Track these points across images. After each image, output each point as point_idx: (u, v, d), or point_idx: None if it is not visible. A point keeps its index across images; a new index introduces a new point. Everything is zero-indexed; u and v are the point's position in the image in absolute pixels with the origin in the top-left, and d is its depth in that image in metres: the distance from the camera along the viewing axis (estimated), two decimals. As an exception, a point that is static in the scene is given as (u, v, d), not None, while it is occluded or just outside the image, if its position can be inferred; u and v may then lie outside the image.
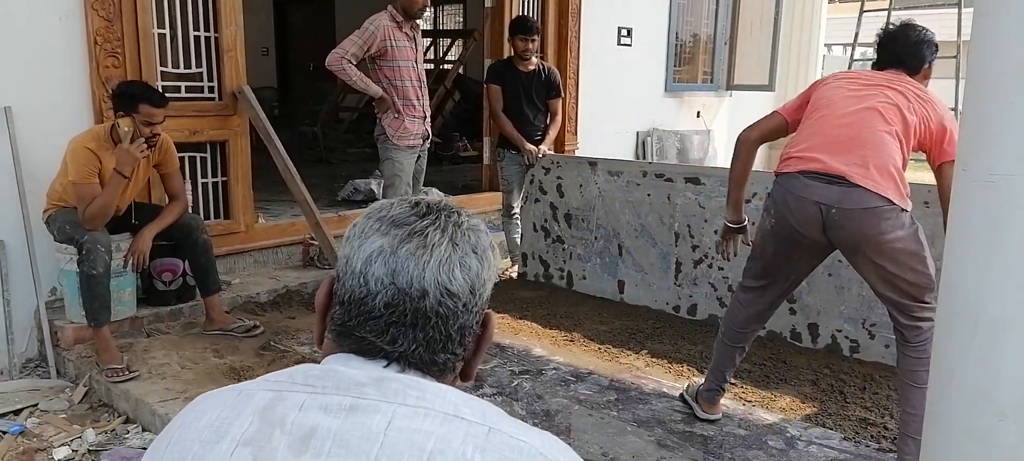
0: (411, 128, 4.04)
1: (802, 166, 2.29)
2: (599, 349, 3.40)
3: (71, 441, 2.73)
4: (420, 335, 0.74)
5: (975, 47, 1.10)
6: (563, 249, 4.38)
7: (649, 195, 3.96)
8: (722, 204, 3.60)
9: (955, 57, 5.65)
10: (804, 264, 2.45)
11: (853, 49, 6.34)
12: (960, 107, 4.17)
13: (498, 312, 3.84)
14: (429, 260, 0.74)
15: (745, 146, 2.58)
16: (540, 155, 4.39)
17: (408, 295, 0.73)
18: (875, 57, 2.47)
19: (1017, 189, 0.98)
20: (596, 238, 4.22)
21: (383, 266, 0.74)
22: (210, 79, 3.98)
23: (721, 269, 3.71)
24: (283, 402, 0.70)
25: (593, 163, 4.25)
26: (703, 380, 2.74)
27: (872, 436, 2.59)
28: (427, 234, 0.75)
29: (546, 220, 4.44)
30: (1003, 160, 1.01)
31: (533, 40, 4.31)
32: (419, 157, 4.19)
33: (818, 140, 2.29)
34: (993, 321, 0.95)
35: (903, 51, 2.38)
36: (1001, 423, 0.92)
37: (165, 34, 3.76)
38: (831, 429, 2.64)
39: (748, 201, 2.98)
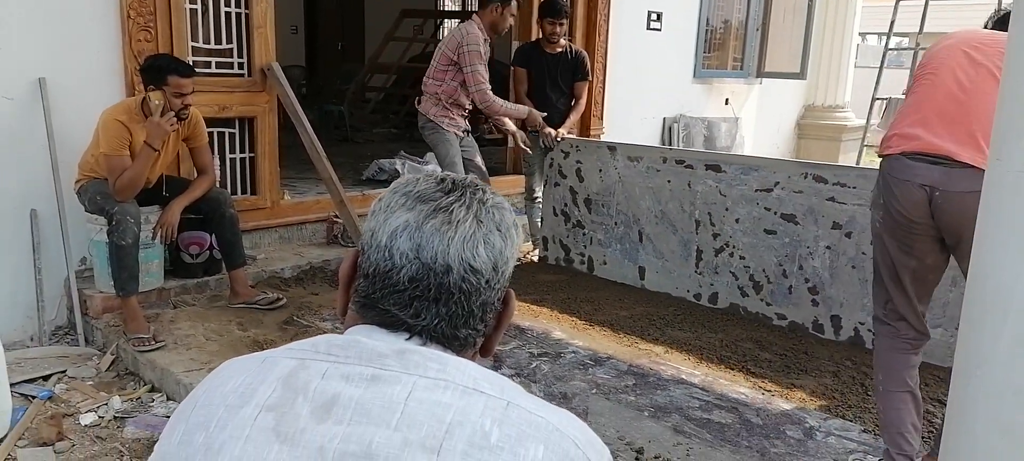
0: (459, 121, 4.10)
1: (904, 146, 2.05)
2: (618, 334, 3.39)
3: (98, 408, 2.80)
4: (443, 310, 0.75)
5: (1014, 35, 1.07)
6: (583, 234, 4.37)
7: (669, 182, 3.93)
8: (743, 193, 3.56)
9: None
10: (932, 257, 2.11)
11: (888, 39, 6.20)
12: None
13: (518, 295, 3.83)
14: (454, 236, 0.75)
15: None
16: (559, 138, 4.37)
17: (432, 270, 0.74)
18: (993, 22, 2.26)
19: (1052, 179, 0.95)
20: (616, 224, 4.20)
21: (408, 241, 0.75)
22: (240, 55, 4.01)
23: (742, 257, 3.67)
24: (306, 370, 0.71)
25: (612, 147, 4.22)
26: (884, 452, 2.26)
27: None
28: (452, 210, 0.76)
29: (566, 204, 4.43)
30: (1039, 150, 0.98)
31: (561, 23, 4.27)
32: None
33: (921, 113, 2.05)
34: (1023, 312, 0.92)
35: None
36: (1027, 416, 0.90)
37: (197, 9, 3.79)
38: (850, 421, 2.61)
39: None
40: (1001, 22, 2.23)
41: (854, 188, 3.27)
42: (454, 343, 0.77)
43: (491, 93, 3.93)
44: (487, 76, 3.92)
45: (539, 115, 4.16)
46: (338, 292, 0.83)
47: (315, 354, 0.73)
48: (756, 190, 3.58)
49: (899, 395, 2.17)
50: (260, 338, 3.17)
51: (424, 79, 4.12)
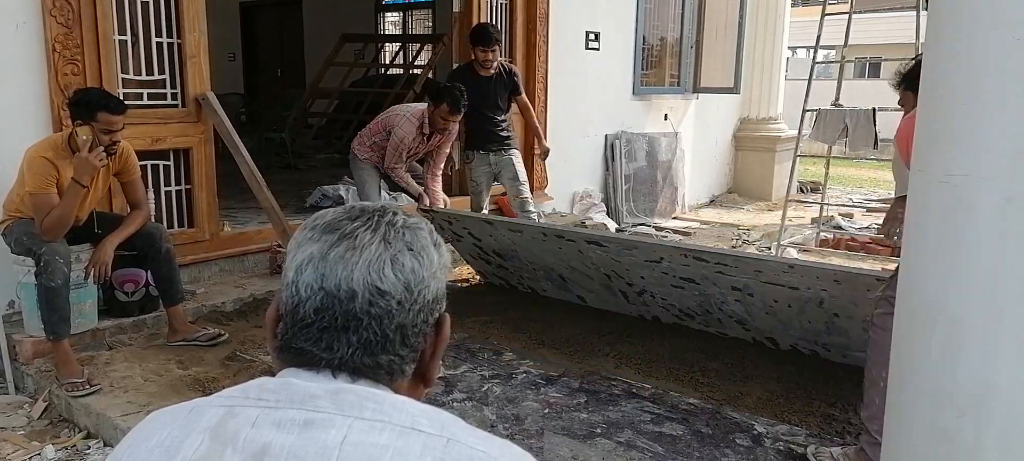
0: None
1: None
2: (568, 352, 3.41)
3: (30, 458, 2.66)
4: (354, 338, 0.72)
5: (929, 52, 1.12)
6: (510, 272, 4.30)
7: (560, 248, 3.78)
8: (635, 260, 3.45)
9: (914, 59, 5.79)
10: None
11: (815, 52, 6.44)
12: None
13: (469, 315, 3.82)
14: (358, 261, 0.73)
15: None
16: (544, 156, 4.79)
17: (337, 298, 0.72)
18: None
19: (972, 189, 1.00)
20: (535, 268, 4.09)
21: (313, 272, 0.73)
22: (173, 85, 3.91)
23: (664, 298, 3.56)
24: (235, 418, 0.69)
25: (490, 221, 4.10)
26: (865, 442, 2.29)
27: (837, 432, 2.63)
28: (357, 235, 0.74)
29: (480, 254, 4.32)
30: (958, 161, 1.03)
31: (493, 50, 4.34)
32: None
33: None
34: (951, 319, 0.96)
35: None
36: (960, 420, 0.93)
37: (127, 40, 3.68)
38: (797, 425, 2.67)
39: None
40: (910, 77, 2.35)
41: (735, 268, 3.15)
42: (379, 373, 0.74)
43: (400, 171, 4.37)
44: (401, 159, 4.34)
45: (425, 198, 4.44)
46: (268, 339, 0.81)
47: (245, 400, 0.70)
48: (645, 261, 3.46)
49: None
50: (202, 376, 3.06)
51: (367, 126, 4.51)
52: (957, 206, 1.03)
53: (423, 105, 4.33)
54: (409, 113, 4.31)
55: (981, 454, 0.92)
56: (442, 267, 0.79)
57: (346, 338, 0.72)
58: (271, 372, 0.76)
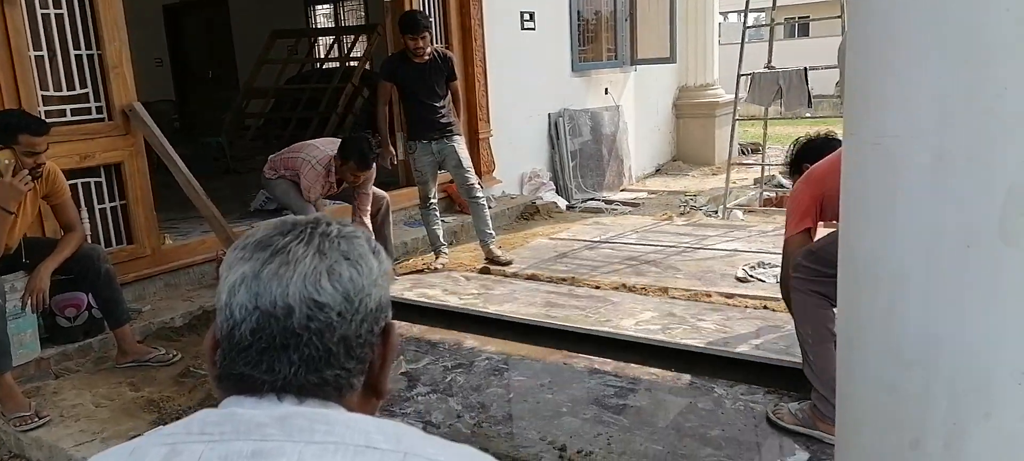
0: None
1: None
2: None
3: (-21, 501, 2.55)
4: (295, 356, 0.70)
5: (856, 15, 1.14)
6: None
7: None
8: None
9: (840, 17, 5.94)
10: None
11: (746, 16, 6.57)
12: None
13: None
14: (293, 275, 0.70)
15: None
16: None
17: (273, 316, 0.70)
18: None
19: (902, 150, 1.03)
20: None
21: (246, 292, 0.71)
22: (97, 99, 3.76)
23: None
24: (178, 457, 0.66)
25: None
26: (816, 399, 2.37)
27: (795, 388, 2.70)
28: (290, 249, 0.72)
29: None
30: (888, 123, 1.06)
31: (423, 37, 4.27)
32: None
33: None
34: (893, 277, 1.00)
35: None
36: (908, 372, 0.97)
37: (43, 56, 3.52)
38: (755, 385, 2.74)
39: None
40: (795, 164, 2.70)
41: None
42: (327, 390, 0.71)
43: (310, 206, 4.18)
44: (307, 192, 4.16)
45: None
46: (208, 369, 0.77)
47: (188, 436, 0.68)
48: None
49: (828, 345, 2.31)
50: (156, 396, 2.98)
51: (275, 155, 4.40)
52: (890, 166, 1.06)
53: (330, 150, 4.13)
54: (315, 160, 4.10)
55: (930, 402, 0.96)
56: (383, 274, 0.76)
57: (287, 357, 0.70)
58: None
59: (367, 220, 4.18)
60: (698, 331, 3.15)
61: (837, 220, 2.34)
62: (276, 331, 0.70)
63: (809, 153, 2.65)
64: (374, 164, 4.11)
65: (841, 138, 2.53)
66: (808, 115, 6.43)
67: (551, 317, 3.45)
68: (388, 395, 0.80)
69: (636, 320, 3.35)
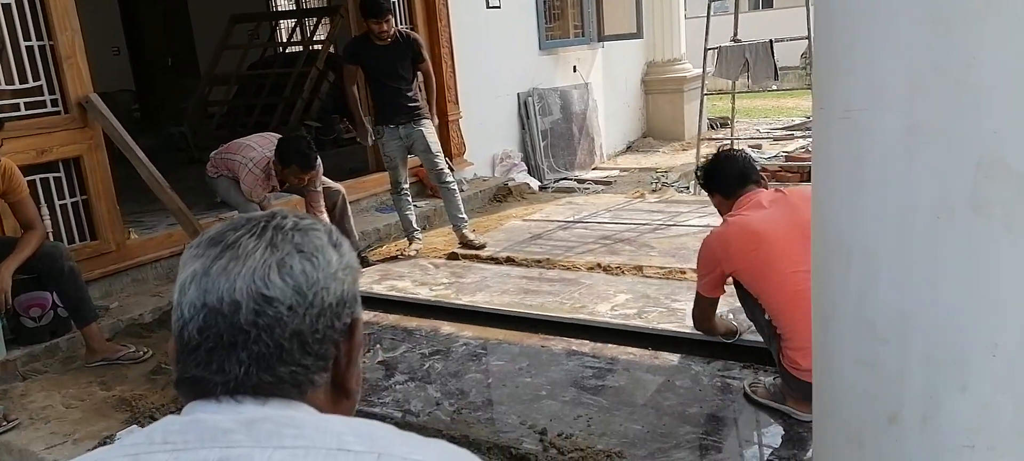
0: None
1: None
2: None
3: (-54, 510, 2.48)
4: (243, 354, 0.67)
5: (821, -14, 1.13)
6: None
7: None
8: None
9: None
10: None
11: (712, -11, 6.58)
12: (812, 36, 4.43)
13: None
14: (241, 270, 0.68)
15: (709, 331, 2.65)
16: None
17: (220, 312, 0.67)
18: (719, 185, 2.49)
19: (871, 123, 1.03)
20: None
21: (196, 290, 0.69)
22: (52, 91, 3.65)
23: None
24: None
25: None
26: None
27: (770, 362, 2.73)
28: (240, 243, 0.70)
29: None
30: (856, 96, 1.05)
31: (387, 20, 4.18)
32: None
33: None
34: (866, 253, 1.00)
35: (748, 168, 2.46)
36: (884, 347, 0.98)
37: (-9, 47, 3.40)
38: (731, 360, 2.76)
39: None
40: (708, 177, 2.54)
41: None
42: (283, 388, 0.68)
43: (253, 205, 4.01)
44: (248, 195, 3.99)
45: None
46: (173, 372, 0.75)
47: (150, 446, 0.65)
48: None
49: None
50: (127, 395, 2.93)
51: (214, 153, 4.22)
52: (860, 140, 1.05)
53: (268, 150, 3.94)
54: (252, 163, 3.92)
55: (906, 378, 0.97)
56: (345, 268, 0.74)
57: (235, 355, 0.67)
58: None
59: (323, 216, 4.02)
60: (673, 313, 3.16)
61: (746, 283, 2.34)
62: (223, 328, 0.67)
63: (708, 180, 2.54)
64: (318, 161, 3.93)
65: (736, 153, 2.53)
66: (775, 87, 6.49)
67: (525, 305, 3.42)
68: (358, 395, 0.77)
69: (611, 304, 3.35)
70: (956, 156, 0.94)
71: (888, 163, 1.01)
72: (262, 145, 4.02)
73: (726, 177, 2.47)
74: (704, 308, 2.55)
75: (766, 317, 2.33)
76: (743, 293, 2.44)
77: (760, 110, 10.81)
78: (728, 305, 2.82)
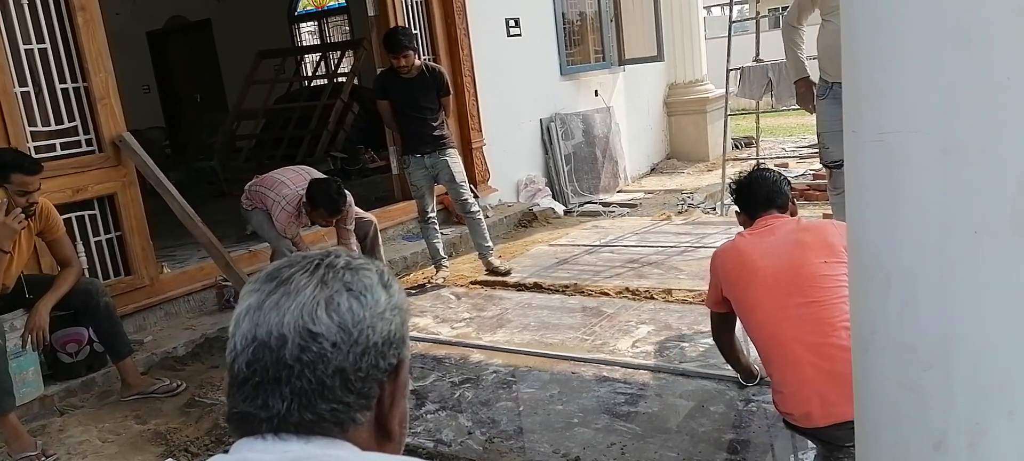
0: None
1: (824, 421, 1.92)
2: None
3: (-12, 546, 2.52)
4: (286, 390, 0.68)
5: (848, 5, 1.13)
6: None
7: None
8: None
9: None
10: None
11: (731, 9, 6.58)
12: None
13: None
14: (291, 305, 0.70)
15: (726, 347, 2.53)
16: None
17: (267, 346, 0.69)
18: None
19: (906, 145, 1.02)
20: None
21: (249, 323, 0.71)
22: (86, 131, 3.74)
23: None
24: None
25: None
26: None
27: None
28: (293, 280, 0.72)
29: None
30: (889, 118, 1.04)
31: (406, 55, 4.25)
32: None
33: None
34: (905, 275, 0.99)
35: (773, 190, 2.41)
36: (927, 373, 0.96)
37: (29, 91, 3.50)
38: (765, 386, 2.70)
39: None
40: (739, 194, 2.48)
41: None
42: (325, 426, 0.69)
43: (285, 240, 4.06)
44: (281, 231, 4.04)
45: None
46: None
47: None
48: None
49: None
50: (162, 428, 2.96)
51: (249, 185, 4.26)
52: (895, 163, 1.04)
53: (300, 187, 3.95)
54: (285, 200, 3.96)
55: (951, 403, 0.95)
56: (393, 309, 0.74)
57: (279, 391, 0.69)
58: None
59: (354, 247, 4.08)
60: (695, 345, 3.11)
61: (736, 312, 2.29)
62: (269, 362, 0.69)
63: (736, 196, 2.51)
64: (350, 199, 3.97)
65: (769, 174, 2.50)
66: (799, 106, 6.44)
67: (545, 343, 3.36)
68: (402, 439, 0.77)
69: (632, 339, 3.29)
70: (995, 176, 0.93)
71: (924, 185, 1.00)
72: (295, 182, 4.05)
73: (752, 197, 2.44)
74: (714, 323, 2.49)
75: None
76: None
77: (785, 128, 10.73)
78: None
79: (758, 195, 2.42)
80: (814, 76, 4.08)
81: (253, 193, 4.19)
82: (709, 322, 2.55)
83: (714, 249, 2.43)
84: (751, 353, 2.54)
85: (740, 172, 2.65)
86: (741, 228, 2.51)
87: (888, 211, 1.04)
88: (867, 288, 1.05)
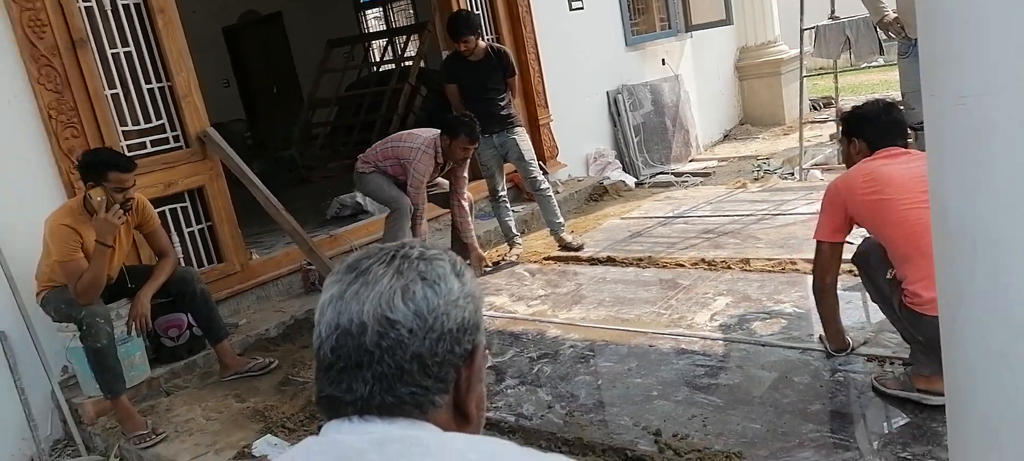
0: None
1: None
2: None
3: (112, 516, 2.74)
4: (368, 374, 0.73)
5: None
6: None
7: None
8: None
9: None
10: None
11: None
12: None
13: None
14: (370, 294, 0.74)
15: (827, 292, 2.49)
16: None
17: (349, 333, 0.74)
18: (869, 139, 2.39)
19: (988, 107, 0.99)
20: None
21: (332, 311, 0.76)
22: (173, 128, 3.94)
23: None
24: None
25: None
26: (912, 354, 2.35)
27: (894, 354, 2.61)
28: (371, 270, 0.76)
29: None
30: (970, 81, 1.01)
31: (468, 40, 4.30)
32: None
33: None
34: (992, 242, 0.96)
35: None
36: (1017, 342, 0.94)
37: (118, 93, 3.71)
38: (853, 354, 2.63)
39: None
40: (849, 122, 2.47)
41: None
42: (405, 408, 0.74)
43: (421, 202, 4.23)
44: (423, 190, 4.23)
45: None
46: None
47: None
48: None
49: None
50: (260, 406, 3.13)
51: (371, 150, 4.39)
52: (977, 126, 1.01)
53: (432, 134, 4.18)
54: (423, 145, 4.14)
55: (1045, 370, 0.93)
56: (467, 296, 0.78)
57: (361, 375, 0.73)
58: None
59: (469, 195, 4.40)
60: (774, 317, 3.06)
61: (868, 228, 2.31)
62: (351, 348, 0.74)
63: (857, 124, 2.44)
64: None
65: (894, 106, 2.43)
66: (880, 62, 6.16)
67: (621, 319, 3.37)
68: (481, 420, 0.81)
69: (710, 312, 3.26)
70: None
71: (1008, 148, 0.97)
72: (419, 131, 4.30)
73: (880, 125, 2.37)
74: (825, 260, 2.42)
75: (888, 276, 2.27)
76: (865, 263, 2.38)
77: (866, 85, 10.26)
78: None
79: (887, 122, 2.37)
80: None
81: (379, 153, 4.34)
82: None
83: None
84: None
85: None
86: (820, 192, 2.46)
87: (971, 176, 1.01)
88: (953, 255, 1.03)
